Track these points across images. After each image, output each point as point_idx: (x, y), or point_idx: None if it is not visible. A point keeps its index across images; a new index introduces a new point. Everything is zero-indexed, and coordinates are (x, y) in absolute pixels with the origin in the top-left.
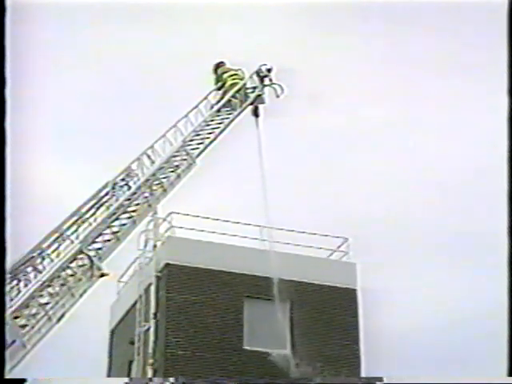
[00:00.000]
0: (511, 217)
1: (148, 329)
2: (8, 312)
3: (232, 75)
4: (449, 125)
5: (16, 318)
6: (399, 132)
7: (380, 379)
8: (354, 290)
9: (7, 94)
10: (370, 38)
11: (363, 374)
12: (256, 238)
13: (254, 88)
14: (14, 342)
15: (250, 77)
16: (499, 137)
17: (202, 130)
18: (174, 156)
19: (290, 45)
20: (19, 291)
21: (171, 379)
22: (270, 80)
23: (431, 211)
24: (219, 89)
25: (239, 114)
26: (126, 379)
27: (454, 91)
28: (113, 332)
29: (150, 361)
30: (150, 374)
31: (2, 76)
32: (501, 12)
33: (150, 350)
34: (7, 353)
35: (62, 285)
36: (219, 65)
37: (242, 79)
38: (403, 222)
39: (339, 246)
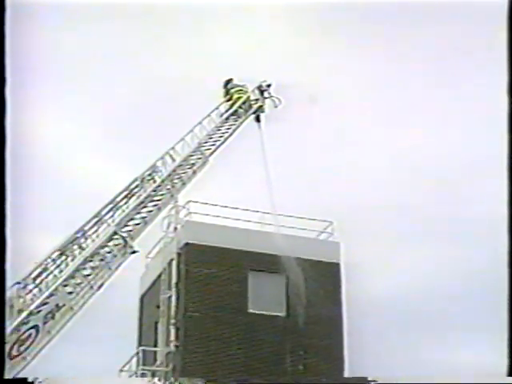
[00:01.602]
0: (511, 217)
1: (170, 296)
2: (59, 281)
3: (238, 90)
4: (448, 123)
5: (65, 286)
6: (394, 129)
7: (372, 380)
8: (338, 264)
9: (7, 94)
10: (369, 38)
11: (345, 331)
12: (258, 222)
13: (257, 100)
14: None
15: (253, 91)
16: (496, 136)
17: (213, 134)
18: (191, 155)
19: (291, 46)
20: (67, 265)
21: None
22: (269, 93)
23: (412, 200)
24: (228, 100)
25: (244, 120)
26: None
27: (454, 90)
28: (142, 298)
29: (172, 321)
30: (172, 331)
31: (2, 76)
32: (501, 12)
33: (172, 313)
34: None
35: (101, 260)
36: (228, 81)
37: (246, 93)
38: (386, 209)
39: (325, 228)
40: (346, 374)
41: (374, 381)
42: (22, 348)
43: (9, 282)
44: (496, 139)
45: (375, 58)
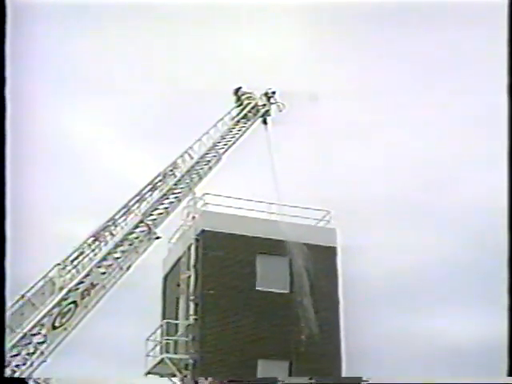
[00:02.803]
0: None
1: (189, 275)
2: (93, 263)
3: (247, 96)
4: (447, 122)
5: (99, 267)
6: (392, 128)
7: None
8: (335, 248)
9: (7, 94)
10: (368, 38)
11: (340, 305)
12: (265, 212)
13: (264, 105)
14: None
15: (260, 97)
16: (494, 133)
17: (226, 135)
18: (207, 153)
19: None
20: (100, 249)
21: None
22: (275, 99)
23: (404, 192)
24: (238, 106)
25: (253, 123)
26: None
27: (454, 90)
28: (165, 278)
29: (191, 297)
30: (191, 306)
31: (2, 76)
32: (501, 12)
33: (191, 290)
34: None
35: (129, 244)
36: (237, 89)
37: (254, 99)
38: (380, 200)
39: (323, 217)
40: (342, 345)
41: (366, 381)
42: (64, 320)
43: (9, 282)
44: (493, 136)
45: (375, 59)
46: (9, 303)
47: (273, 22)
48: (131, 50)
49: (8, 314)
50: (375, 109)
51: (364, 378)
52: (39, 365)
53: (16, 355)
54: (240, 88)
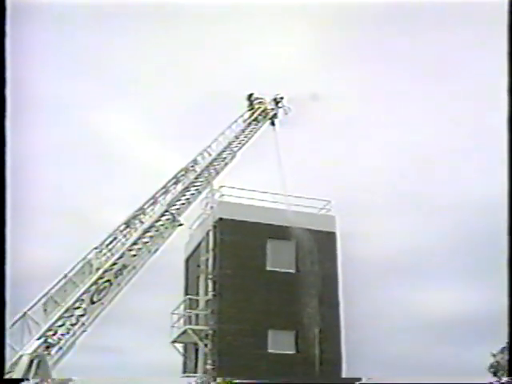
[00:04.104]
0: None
1: (208, 258)
2: (125, 247)
3: (259, 101)
4: (446, 122)
5: (130, 250)
6: (391, 127)
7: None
8: (334, 233)
9: (7, 94)
10: (368, 38)
11: (339, 283)
12: (274, 201)
13: (272, 109)
14: None
15: (269, 102)
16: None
17: (239, 135)
18: (223, 151)
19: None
20: (131, 234)
21: None
22: (282, 104)
23: (398, 184)
24: (250, 109)
25: (262, 125)
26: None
27: (453, 90)
28: (187, 260)
29: (210, 276)
30: (210, 284)
31: (2, 76)
32: (501, 12)
33: (210, 270)
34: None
35: (156, 231)
36: (250, 95)
37: (264, 104)
38: (377, 191)
39: (325, 206)
40: (341, 315)
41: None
42: (100, 295)
43: (8, 281)
44: (493, 135)
45: (374, 59)
46: (46, 288)
47: (281, 26)
48: (131, 49)
49: (52, 291)
50: (375, 109)
51: (366, 379)
52: (80, 334)
53: (61, 326)
54: (252, 94)
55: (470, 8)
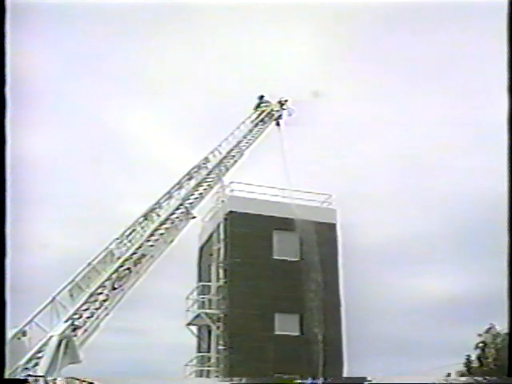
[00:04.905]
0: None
1: (219, 247)
2: (143, 238)
3: (265, 103)
4: (446, 121)
5: (148, 241)
6: (391, 125)
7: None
8: (335, 224)
9: (7, 94)
10: (368, 38)
11: (340, 270)
12: (279, 195)
13: (277, 110)
14: None
15: (275, 104)
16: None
17: (247, 135)
18: (232, 150)
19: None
20: (148, 226)
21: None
22: (287, 106)
23: (397, 179)
24: (256, 109)
25: (268, 125)
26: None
27: (453, 89)
28: (201, 249)
29: (221, 264)
30: (221, 272)
31: (2, 76)
32: (501, 12)
33: (221, 259)
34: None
35: (172, 223)
36: (261, 96)
37: (270, 106)
38: (377, 185)
39: (326, 199)
40: (342, 299)
41: (369, 381)
42: (121, 282)
43: (9, 281)
44: (492, 133)
45: (374, 59)
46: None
47: (287, 27)
48: (131, 49)
49: (78, 278)
50: (375, 109)
51: (368, 378)
52: (104, 317)
53: (86, 309)
54: (263, 96)
55: (470, 8)
